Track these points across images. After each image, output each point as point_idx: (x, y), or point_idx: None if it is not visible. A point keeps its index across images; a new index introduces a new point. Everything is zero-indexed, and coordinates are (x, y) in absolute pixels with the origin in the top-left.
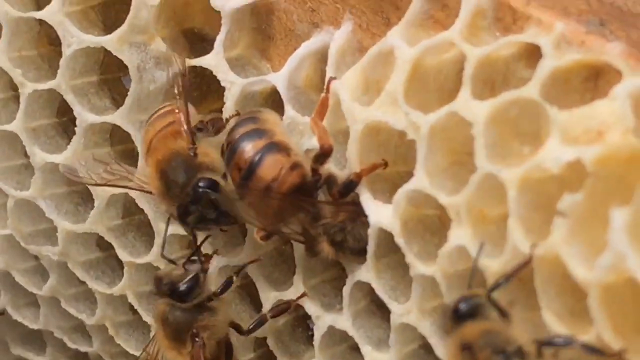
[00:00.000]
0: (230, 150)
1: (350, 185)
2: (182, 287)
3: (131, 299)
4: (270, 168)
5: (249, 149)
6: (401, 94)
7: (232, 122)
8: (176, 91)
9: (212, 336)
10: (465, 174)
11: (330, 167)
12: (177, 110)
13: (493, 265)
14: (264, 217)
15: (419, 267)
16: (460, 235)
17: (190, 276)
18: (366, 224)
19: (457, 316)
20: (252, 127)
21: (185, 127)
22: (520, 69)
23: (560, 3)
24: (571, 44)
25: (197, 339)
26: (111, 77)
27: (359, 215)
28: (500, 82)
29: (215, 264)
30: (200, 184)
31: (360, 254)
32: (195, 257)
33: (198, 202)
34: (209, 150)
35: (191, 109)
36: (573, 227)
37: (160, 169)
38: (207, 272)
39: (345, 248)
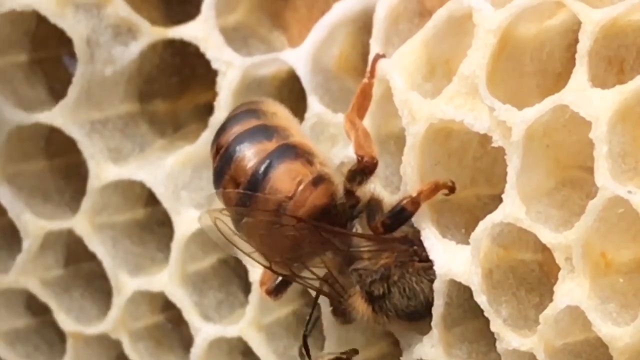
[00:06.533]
0: (222, 158)
1: (402, 214)
2: None
3: None
4: (284, 180)
5: (251, 154)
6: (483, 79)
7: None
8: None
9: None
10: (580, 198)
11: (374, 188)
12: None
13: (621, 338)
14: (271, 253)
15: (510, 338)
16: (572, 291)
17: None
18: (425, 274)
19: None
20: (255, 124)
21: None
22: None
23: None
24: None
25: None
26: (48, 55)
27: (412, 258)
28: (633, 60)
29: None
30: None
31: (411, 318)
32: None
33: None
34: None
35: None
36: None
37: None
38: None
39: (388, 308)
